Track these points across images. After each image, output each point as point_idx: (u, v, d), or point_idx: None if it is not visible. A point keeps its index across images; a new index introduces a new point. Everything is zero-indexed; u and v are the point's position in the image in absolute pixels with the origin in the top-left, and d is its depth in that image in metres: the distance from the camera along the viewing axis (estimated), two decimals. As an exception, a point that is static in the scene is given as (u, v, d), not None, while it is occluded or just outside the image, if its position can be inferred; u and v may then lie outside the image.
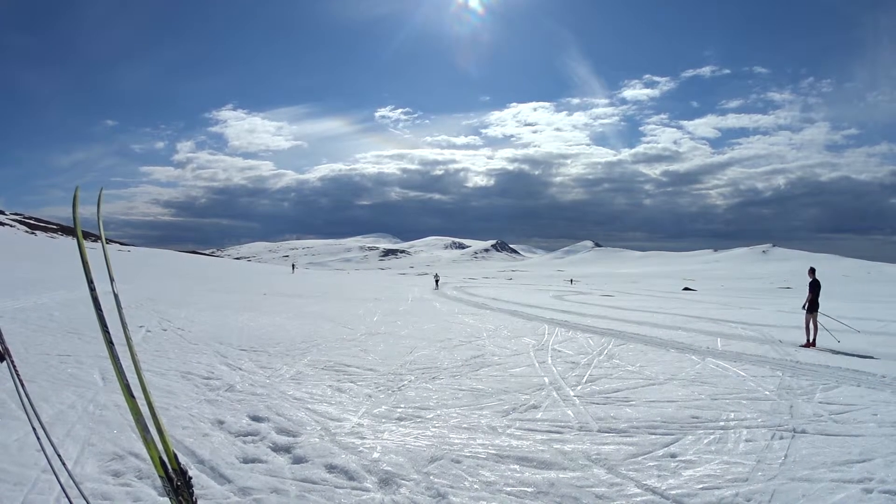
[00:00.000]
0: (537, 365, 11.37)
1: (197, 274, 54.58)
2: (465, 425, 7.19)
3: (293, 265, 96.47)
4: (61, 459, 3.51)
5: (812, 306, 16.57)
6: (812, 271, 17.99)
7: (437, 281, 58.50)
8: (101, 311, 3.03)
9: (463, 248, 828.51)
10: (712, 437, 6.83)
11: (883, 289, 76.92)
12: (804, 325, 16.67)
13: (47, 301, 18.51)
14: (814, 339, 16.11)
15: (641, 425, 7.28)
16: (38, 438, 3.26)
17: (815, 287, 17.14)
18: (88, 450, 5.62)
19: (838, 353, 14.53)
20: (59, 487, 3.85)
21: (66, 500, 3.63)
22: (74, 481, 3.70)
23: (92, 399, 7.38)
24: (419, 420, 7.41)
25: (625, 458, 6.09)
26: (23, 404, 3.22)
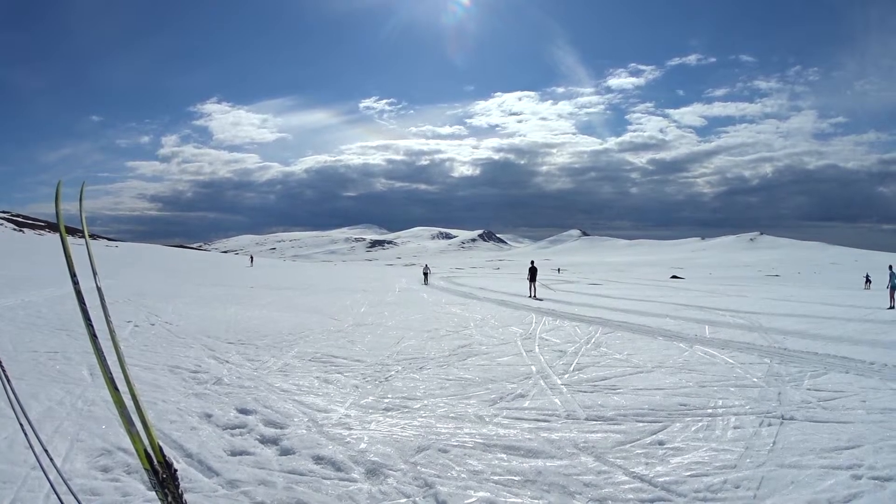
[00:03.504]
0: (524, 354, 11.42)
1: (184, 268, 54.41)
2: (452, 415, 7.22)
3: (251, 257, 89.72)
4: (49, 456, 3.52)
5: (532, 278, 32.58)
6: (532, 262, 35.74)
7: (426, 274, 49.67)
8: (84, 304, 3.04)
9: (450, 238, 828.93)
10: (700, 424, 6.86)
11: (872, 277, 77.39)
12: (528, 287, 32.49)
13: (35, 298, 18.42)
14: (533, 295, 30.36)
15: (629, 413, 7.31)
16: (27, 436, 3.27)
17: (532, 271, 33.19)
18: (77, 446, 5.62)
19: (540, 299, 27.65)
20: (49, 484, 3.87)
21: (56, 496, 3.65)
22: (63, 478, 3.71)
23: (80, 395, 7.36)
24: (406, 410, 7.43)
25: (612, 446, 6.11)
26: (10, 402, 3.23)
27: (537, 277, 33.31)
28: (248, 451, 5.80)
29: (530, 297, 29.91)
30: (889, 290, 26.74)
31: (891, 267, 28.55)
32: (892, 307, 25.59)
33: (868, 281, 50.61)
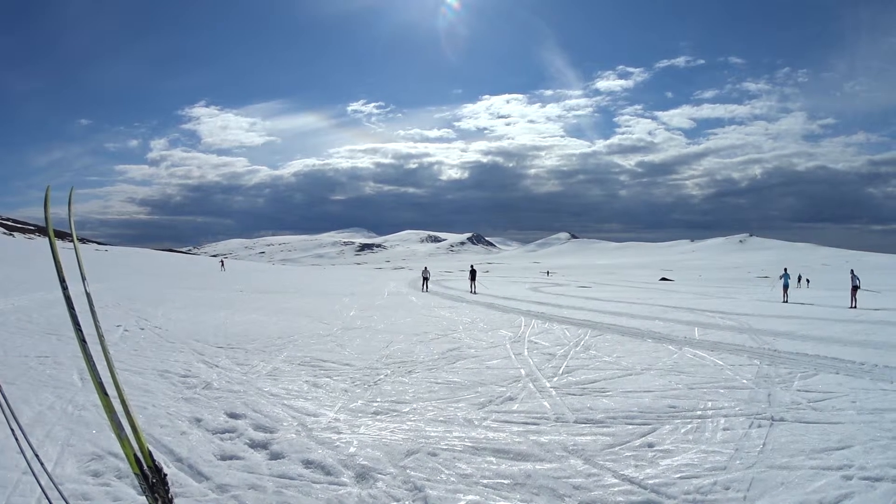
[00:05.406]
0: (514, 357, 11.44)
1: (173, 272, 54.22)
2: (441, 418, 7.23)
3: (222, 261, 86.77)
4: (40, 461, 3.53)
5: (472, 277, 40.54)
6: (471, 266, 45.22)
7: (425, 280, 42.59)
8: (73, 309, 3.05)
9: (438, 241, 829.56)
10: (690, 426, 6.88)
11: (862, 277, 77.81)
12: (469, 286, 40.26)
13: (26, 303, 18.31)
14: (474, 291, 37.80)
15: (618, 416, 7.32)
16: (18, 440, 3.28)
17: (472, 272, 41.31)
18: (68, 450, 5.61)
19: (477, 293, 35.12)
20: (40, 489, 3.87)
21: (47, 501, 3.66)
22: (54, 482, 3.73)
23: (71, 400, 7.35)
24: (395, 414, 7.44)
25: (602, 449, 6.12)
26: (1, 407, 3.24)
27: (476, 277, 42.00)
28: (237, 455, 5.80)
29: (470, 292, 37.50)
30: (782, 287, 33.44)
31: (785, 269, 34.72)
32: (785, 301, 31.10)
33: (804, 281, 57.07)
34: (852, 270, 29.49)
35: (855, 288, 28.44)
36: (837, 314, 22.63)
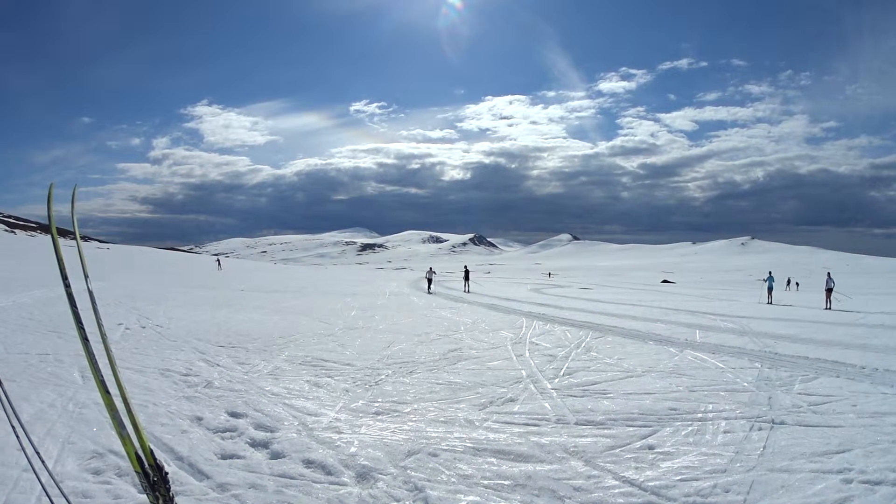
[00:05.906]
0: (515, 358, 11.43)
1: (175, 270, 54.22)
2: (442, 419, 7.22)
3: (218, 260, 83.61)
4: (41, 458, 3.53)
5: (466, 277, 41.70)
6: (465, 266, 51.83)
7: (430, 281, 40.76)
8: (75, 306, 3.05)
9: (440, 241, 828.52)
10: (690, 428, 6.87)
11: (860, 280, 77.66)
12: (463, 286, 41.50)
13: (27, 300, 18.33)
14: (468, 290, 38.32)
15: (619, 417, 7.31)
16: (18, 438, 3.27)
17: (466, 273, 43.00)
18: (68, 448, 5.61)
19: (470, 293, 36.80)
20: (41, 486, 3.87)
21: (48, 498, 3.66)
22: (55, 480, 3.72)
23: (72, 397, 7.35)
24: (396, 414, 7.43)
25: (602, 451, 6.11)
26: (2, 404, 3.24)
27: (470, 277, 43.59)
28: (238, 454, 5.80)
29: (464, 291, 38.52)
30: (767, 290, 34.68)
31: (770, 272, 36.90)
32: (769, 303, 32.36)
33: (794, 284, 62.24)
34: (828, 273, 31.28)
35: (829, 290, 29.67)
36: (814, 315, 22.86)
